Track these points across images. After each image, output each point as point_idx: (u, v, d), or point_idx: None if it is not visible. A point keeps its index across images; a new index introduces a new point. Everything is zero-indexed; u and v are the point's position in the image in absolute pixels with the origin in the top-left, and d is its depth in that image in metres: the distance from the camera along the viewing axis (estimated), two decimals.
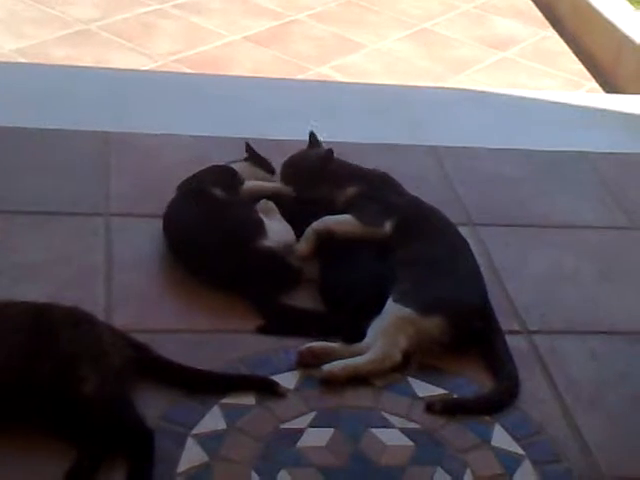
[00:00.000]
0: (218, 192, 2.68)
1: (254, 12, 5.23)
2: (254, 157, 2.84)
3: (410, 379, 2.32)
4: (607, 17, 5.06)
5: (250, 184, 2.76)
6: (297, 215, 2.67)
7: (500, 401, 2.29)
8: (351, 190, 2.73)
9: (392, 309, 2.38)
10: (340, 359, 2.29)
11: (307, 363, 2.30)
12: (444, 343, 2.38)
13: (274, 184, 2.80)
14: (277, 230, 2.58)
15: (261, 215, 2.61)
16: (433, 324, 2.37)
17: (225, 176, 2.75)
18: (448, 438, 2.17)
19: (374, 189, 2.74)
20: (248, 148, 2.86)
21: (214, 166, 2.81)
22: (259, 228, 2.55)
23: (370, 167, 2.83)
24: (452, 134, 3.51)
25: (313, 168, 2.77)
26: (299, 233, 2.62)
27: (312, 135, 2.89)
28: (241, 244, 2.51)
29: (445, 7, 5.62)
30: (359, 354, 2.31)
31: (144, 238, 2.67)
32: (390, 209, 2.66)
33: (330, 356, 2.30)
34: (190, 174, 2.75)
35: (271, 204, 2.67)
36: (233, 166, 2.81)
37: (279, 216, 2.65)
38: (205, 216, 2.58)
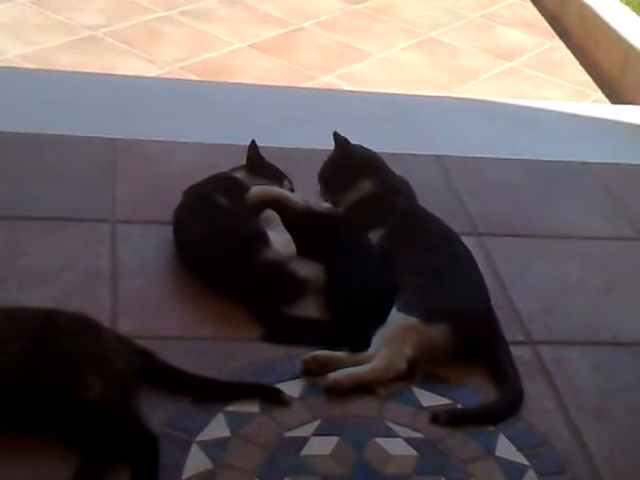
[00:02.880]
0: (222, 200, 2.68)
1: (260, 20, 5.24)
2: (252, 165, 2.82)
3: (414, 389, 2.32)
4: (614, 27, 5.05)
5: (256, 189, 2.75)
6: (298, 226, 2.67)
7: (504, 411, 2.29)
8: (367, 186, 2.76)
9: (397, 318, 2.38)
10: (345, 368, 2.30)
11: (312, 371, 2.30)
12: (448, 352, 2.38)
13: (280, 190, 2.79)
14: (279, 242, 2.58)
15: (264, 226, 2.61)
16: (437, 333, 2.37)
17: (231, 185, 2.75)
18: (452, 448, 2.17)
19: (385, 192, 2.76)
20: (249, 155, 2.84)
21: (220, 174, 2.81)
22: (263, 240, 2.55)
23: None
24: (458, 144, 3.52)
25: (342, 164, 2.81)
26: (298, 245, 2.62)
27: (335, 135, 2.88)
28: (246, 255, 2.52)
29: (451, 16, 5.63)
30: (364, 363, 2.31)
31: (150, 245, 2.68)
32: (387, 216, 2.69)
33: (335, 365, 2.30)
34: (196, 181, 2.76)
35: (274, 214, 2.68)
36: (236, 174, 2.81)
37: (281, 227, 2.65)
38: (210, 225, 2.58)
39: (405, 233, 2.67)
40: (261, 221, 2.65)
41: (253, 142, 2.84)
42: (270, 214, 2.67)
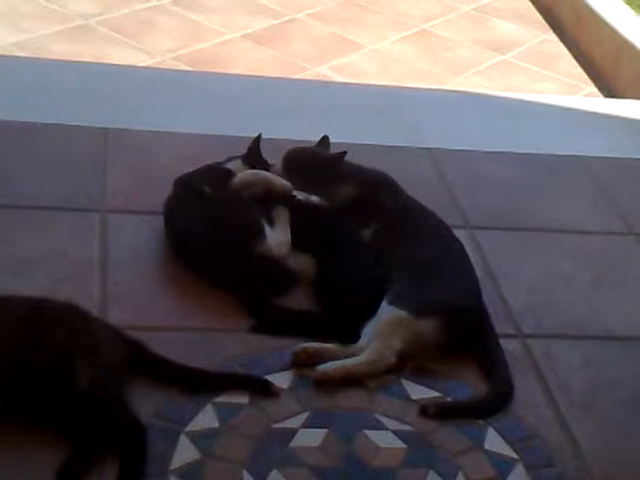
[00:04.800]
0: (208, 190, 2.66)
1: (253, 10, 5.23)
2: (250, 156, 2.82)
3: (404, 381, 2.32)
4: (607, 21, 5.06)
5: (240, 176, 2.72)
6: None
7: (493, 405, 2.29)
8: (349, 189, 2.74)
9: (387, 311, 2.38)
10: (334, 360, 2.29)
11: (301, 363, 2.30)
12: (439, 345, 2.38)
13: (265, 174, 2.76)
14: (276, 240, 2.57)
15: (262, 220, 2.60)
16: (427, 326, 2.37)
17: (221, 175, 2.73)
18: (441, 441, 2.17)
19: (370, 191, 2.74)
20: (251, 147, 2.84)
21: (213, 164, 2.80)
22: (257, 232, 2.54)
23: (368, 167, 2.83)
24: (450, 136, 3.51)
25: (322, 166, 2.77)
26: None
27: (325, 139, 2.87)
28: (239, 246, 2.51)
29: (444, 9, 5.62)
30: (353, 355, 2.31)
31: (140, 235, 2.67)
32: (376, 214, 2.67)
33: (324, 357, 2.30)
34: (186, 171, 2.75)
35: (285, 212, 2.65)
36: (228, 165, 2.80)
37: (286, 226, 2.62)
38: (202, 215, 2.57)
39: (396, 227, 2.67)
40: (267, 215, 2.64)
41: (259, 135, 2.82)
42: (281, 211, 2.66)
